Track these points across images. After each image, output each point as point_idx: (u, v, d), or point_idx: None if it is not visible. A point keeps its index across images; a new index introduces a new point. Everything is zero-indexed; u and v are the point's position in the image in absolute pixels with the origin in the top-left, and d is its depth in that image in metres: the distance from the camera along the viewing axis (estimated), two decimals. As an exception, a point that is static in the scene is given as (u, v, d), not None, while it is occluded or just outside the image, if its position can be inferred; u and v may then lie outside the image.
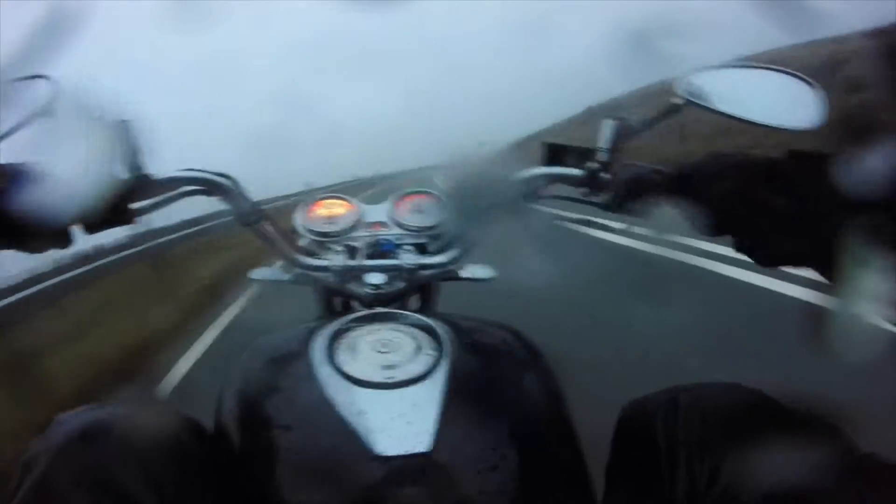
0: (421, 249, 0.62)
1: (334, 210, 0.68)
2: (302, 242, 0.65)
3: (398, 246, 0.62)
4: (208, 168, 0.54)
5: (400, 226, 0.65)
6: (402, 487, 0.32)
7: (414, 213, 0.66)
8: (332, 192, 0.72)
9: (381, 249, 0.62)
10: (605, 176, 0.54)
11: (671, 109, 0.57)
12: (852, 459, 0.34)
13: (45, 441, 0.37)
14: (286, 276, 0.69)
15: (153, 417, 0.40)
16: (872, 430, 0.38)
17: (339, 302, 0.68)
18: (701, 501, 0.35)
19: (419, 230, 0.65)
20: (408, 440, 0.34)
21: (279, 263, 0.63)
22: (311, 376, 0.39)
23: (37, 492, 0.33)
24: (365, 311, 0.48)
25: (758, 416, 0.38)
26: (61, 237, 0.46)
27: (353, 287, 0.60)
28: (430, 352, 0.40)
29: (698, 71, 0.58)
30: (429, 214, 0.66)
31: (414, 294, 0.64)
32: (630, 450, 0.42)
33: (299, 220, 0.66)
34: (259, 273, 0.69)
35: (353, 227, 0.65)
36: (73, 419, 0.38)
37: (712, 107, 0.55)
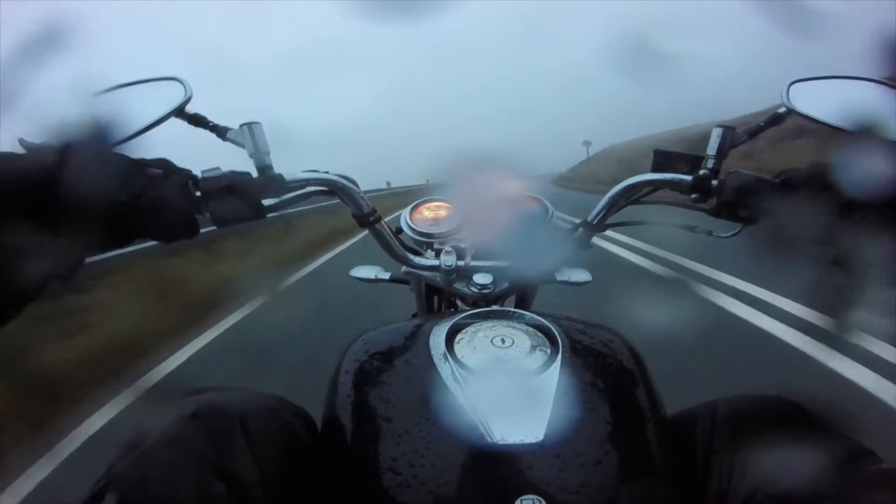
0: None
1: (439, 213, 0.69)
2: (407, 242, 0.66)
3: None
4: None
5: None
6: (514, 474, 0.34)
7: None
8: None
9: (485, 251, 0.63)
10: (713, 183, 0.56)
11: (776, 118, 0.59)
12: (879, 474, 0.35)
13: (158, 417, 0.38)
14: (386, 275, 0.71)
15: (264, 405, 0.41)
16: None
17: (436, 300, 0.69)
18: None
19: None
20: (522, 430, 0.35)
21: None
22: (430, 367, 0.40)
23: (144, 463, 0.34)
24: (482, 309, 0.49)
25: (791, 427, 0.39)
26: (190, 228, 0.47)
27: (459, 286, 0.61)
28: (545, 349, 0.41)
29: (802, 81, 0.60)
30: (532, 218, 0.68)
31: (513, 294, 0.66)
32: (667, 450, 0.43)
33: (405, 221, 0.68)
34: (358, 271, 0.71)
35: (457, 230, 0.67)
36: (187, 401, 0.40)
37: (815, 117, 0.57)
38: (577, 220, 0.62)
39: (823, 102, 0.58)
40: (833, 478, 0.33)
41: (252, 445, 0.36)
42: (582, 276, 0.67)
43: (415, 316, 0.74)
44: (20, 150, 0.37)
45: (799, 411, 0.41)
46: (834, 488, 0.32)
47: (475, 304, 0.61)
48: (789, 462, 0.35)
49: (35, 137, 0.37)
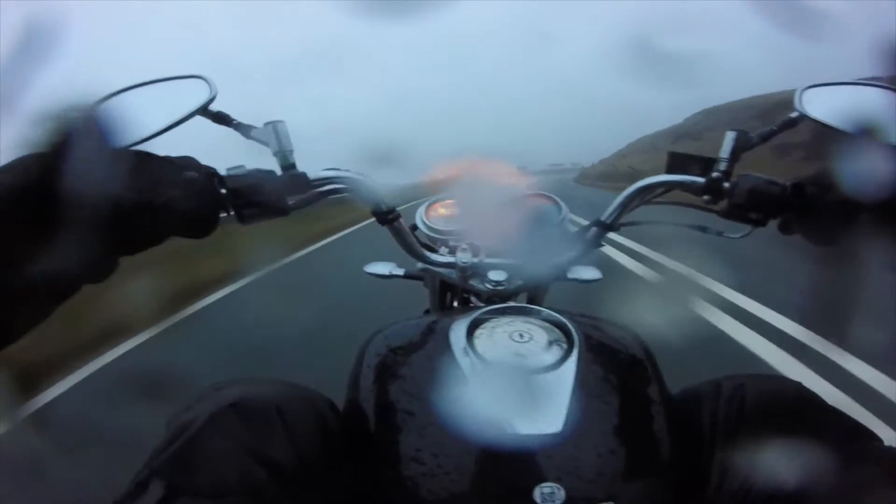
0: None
1: (454, 211, 0.70)
2: (422, 239, 0.67)
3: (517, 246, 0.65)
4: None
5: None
6: (533, 463, 0.35)
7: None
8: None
9: (499, 249, 0.64)
10: (725, 185, 0.57)
11: (789, 123, 0.60)
12: (880, 453, 0.36)
13: (197, 408, 0.39)
14: (400, 271, 0.72)
15: (296, 395, 0.43)
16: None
17: (449, 297, 0.70)
18: (729, 486, 0.37)
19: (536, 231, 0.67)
20: (541, 421, 0.37)
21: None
22: (451, 361, 0.42)
23: (188, 452, 0.35)
24: (500, 305, 0.51)
25: (793, 408, 0.41)
26: (212, 226, 0.46)
27: (474, 283, 0.63)
28: (561, 344, 0.43)
29: (815, 87, 0.61)
30: (545, 216, 0.69)
31: (525, 292, 0.67)
32: (676, 437, 0.44)
33: (421, 218, 0.69)
34: (373, 267, 0.72)
35: (471, 227, 0.68)
36: (224, 392, 0.41)
37: (828, 122, 0.58)
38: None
39: (836, 108, 0.58)
40: (836, 457, 0.34)
41: (289, 433, 0.37)
42: (592, 273, 0.68)
43: (427, 312, 0.75)
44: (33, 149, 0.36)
45: (800, 392, 0.42)
46: (837, 468, 0.34)
47: (489, 301, 0.62)
48: (794, 442, 0.37)
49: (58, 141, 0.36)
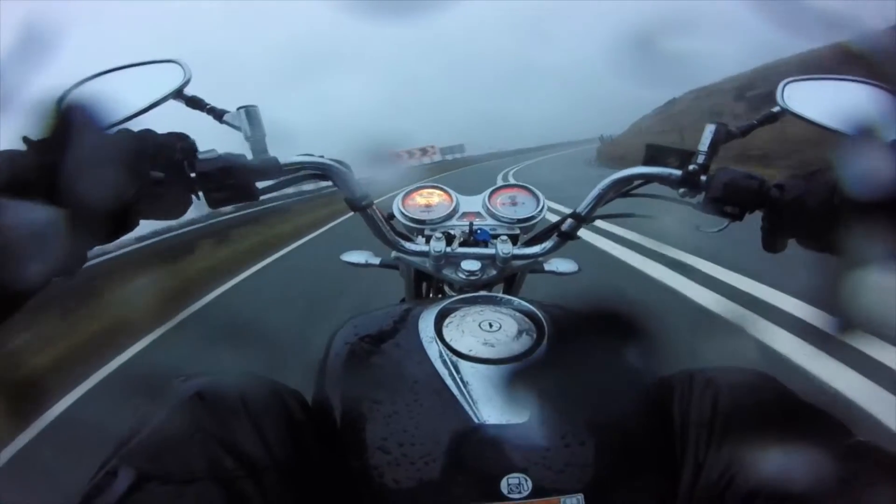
0: (513, 240, 0.65)
1: (431, 199, 0.70)
2: (398, 228, 0.67)
3: (493, 236, 0.64)
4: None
5: (494, 217, 0.68)
6: (499, 454, 0.35)
7: (508, 206, 0.69)
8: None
9: (476, 238, 0.64)
10: (702, 178, 0.56)
11: (769, 117, 0.59)
12: (852, 448, 0.36)
13: (162, 399, 0.39)
14: (376, 260, 0.72)
15: (262, 386, 0.42)
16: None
17: (425, 286, 0.70)
18: (704, 480, 0.37)
19: (513, 222, 0.67)
20: (508, 411, 0.36)
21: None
22: (419, 350, 0.41)
23: (156, 440, 0.35)
24: (470, 294, 0.50)
25: (767, 401, 0.40)
26: (182, 209, 0.48)
27: (448, 272, 0.62)
28: (531, 333, 0.43)
29: (796, 81, 0.60)
30: (522, 207, 0.68)
31: (501, 282, 0.67)
32: (647, 429, 0.43)
33: (397, 207, 0.69)
34: (349, 256, 0.72)
35: (449, 216, 0.68)
36: (189, 383, 0.41)
37: (808, 117, 0.58)
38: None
39: (816, 102, 0.58)
40: (809, 452, 0.34)
41: (255, 423, 0.37)
42: (569, 266, 0.68)
43: (403, 301, 0.75)
44: (22, 146, 0.36)
45: (774, 386, 0.41)
46: (811, 462, 0.33)
47: (462, 291, 0.62)
48: (766, 435, 0.36)
49: (35, 134, 0.36)
